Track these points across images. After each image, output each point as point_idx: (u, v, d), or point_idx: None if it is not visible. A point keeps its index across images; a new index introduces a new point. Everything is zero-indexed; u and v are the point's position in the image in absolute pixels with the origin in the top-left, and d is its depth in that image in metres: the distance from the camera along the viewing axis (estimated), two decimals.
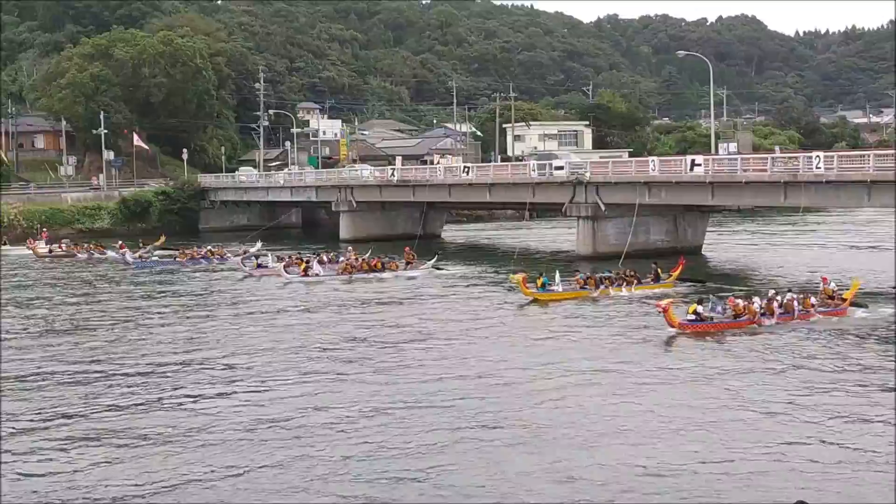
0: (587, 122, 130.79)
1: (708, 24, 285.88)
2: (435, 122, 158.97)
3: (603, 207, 55.60)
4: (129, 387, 26.17)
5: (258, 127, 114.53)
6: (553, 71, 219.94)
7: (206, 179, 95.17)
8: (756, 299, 33.90)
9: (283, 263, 51.57)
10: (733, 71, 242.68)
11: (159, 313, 39.43)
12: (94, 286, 49.85)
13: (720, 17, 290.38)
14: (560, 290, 40.71)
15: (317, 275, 49.44)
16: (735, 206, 62.16)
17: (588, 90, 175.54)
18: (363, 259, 51.97)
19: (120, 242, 66.97)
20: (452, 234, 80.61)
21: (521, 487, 17.75)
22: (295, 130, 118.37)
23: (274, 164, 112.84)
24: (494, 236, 78.43)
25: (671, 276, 43.53)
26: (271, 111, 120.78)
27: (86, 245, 67.62)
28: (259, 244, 65.14)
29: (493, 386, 25.40)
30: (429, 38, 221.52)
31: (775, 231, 75.31)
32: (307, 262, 51.36)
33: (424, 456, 19.60)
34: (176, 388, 25.85)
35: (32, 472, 19.21)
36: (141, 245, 64.60)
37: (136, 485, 18.26)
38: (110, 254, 64.29)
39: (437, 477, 18.33)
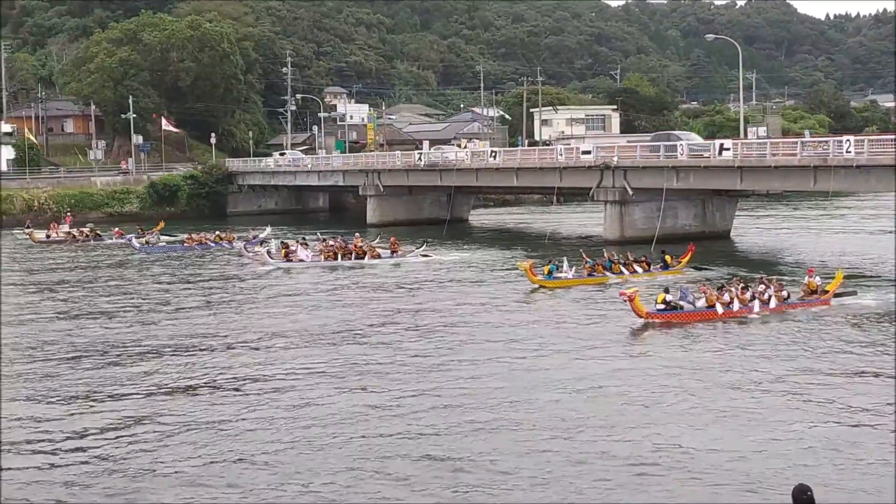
0: (615, 107, 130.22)
1: (737, 7, 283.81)
2: (462, 106, 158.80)
3: (630, 192, 55.40)
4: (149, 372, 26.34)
5: (285, 111, 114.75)
6: (581, 55, 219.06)
7: (234, 163, 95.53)
8: (731, 289, 32.66)
9: (266, 248, 51.07)
10: (762, 54, 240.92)
11: (156, 299, 39.24)
12: (98, 271, 49.80)
13: (749, 1, 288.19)
14: (568, 276, 40.31)
15: (301, 261, 48.91)
16: (764, 191, 61.78)
17: (616, 74, 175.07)
18: (344, 245, 51.00)
19: (116, 229, 67.08)
20: (479, 218, 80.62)
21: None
22: (322, 115, 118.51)
23: (301, 148, 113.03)
24: (522, 221, 78.35)
25: (680, 262, 43.08)
26: (298, 96, 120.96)
27: (83, 230, 66.48)
28: (269, 229, 64.39)
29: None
30: (456, 23, 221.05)
31: (805, 216, 74.78)
32: (290, 247, 50.68)
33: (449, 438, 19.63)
34: (196, 375, 25.96)
35: (58, 462, 19.31)
36: (138, 230, 64.04)
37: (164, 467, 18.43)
38: (110, 241, 64.22)
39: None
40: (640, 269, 41.35)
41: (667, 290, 32.06)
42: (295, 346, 29.10)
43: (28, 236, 65.68)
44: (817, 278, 34.78)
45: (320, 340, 29.95)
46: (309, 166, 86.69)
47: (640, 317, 31.02)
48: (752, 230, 63.85)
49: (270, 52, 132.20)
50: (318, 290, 41.02)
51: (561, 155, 61.24)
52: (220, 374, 25.74)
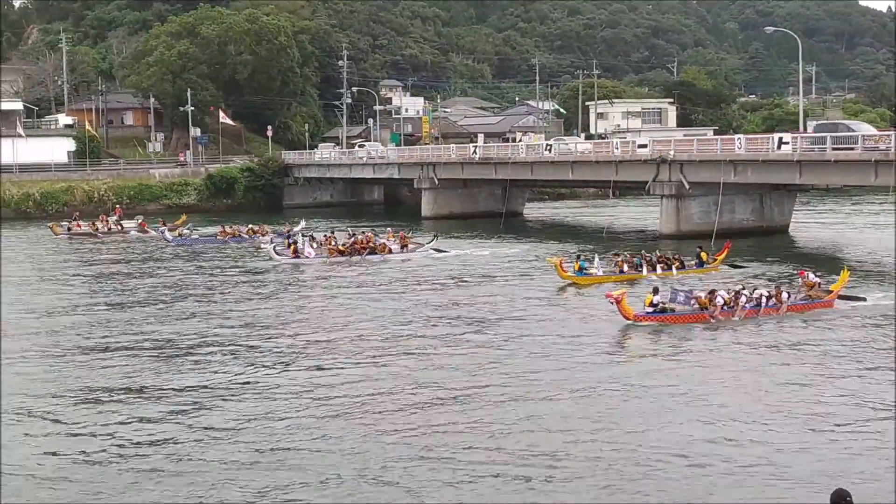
0: (671, 100, 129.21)
1: None
2: (517, 99, 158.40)
3: (687, 186, 54.98)
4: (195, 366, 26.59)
5: (341, 104, 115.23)
6: (637, 48, 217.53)
7: (290, 156, 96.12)
8: (722, 292, 31.31)
9: (273, 245, 50.53)
10: (823, 47, 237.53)
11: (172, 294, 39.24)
12: (124, 265, 49.79)
13: None
14: (598, 273, 39.64)
15: (307, 257, 48.22)
16: (823, 185, 61.00)
17: (672, 67, 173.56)
18: (353, 241, 50.49)
19: (140, 220, 67.11)
20: (534, 211, 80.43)
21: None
22: (377, 108, 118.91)
23: (356, 141, 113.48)
24: (577, 214, 78.06)
25: (716, 259, 42.20)
26: (354, 88, 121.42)
27: (107, 222, 66.27)
28: (303, 223, 63.69)
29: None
30: (511, 15, 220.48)
31: (865, 211, 73.71)
32: (296, 243, 49.91)
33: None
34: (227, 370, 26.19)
35: (102, 457, 19.53)
36: (161, 224, 63.86)
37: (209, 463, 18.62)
38: (133, 232, 64.46)
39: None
40: (672, 268, 40.55)
41: (655, 291, 31.00)
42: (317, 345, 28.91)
43: (50, 229, 64.98)
44: (811, 275, 33.60)
45: (352, 336, 29.82)
46: (364, 159, 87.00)
47: (628, 319, 29.96)
48: (811, 225, 63.06)
49: (327, 45, 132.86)
50: (332, 286, 40.64)
51: (617, 148, 61.00)
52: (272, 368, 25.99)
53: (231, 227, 60.68)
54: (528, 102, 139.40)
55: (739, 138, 54.72)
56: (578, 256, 40.71)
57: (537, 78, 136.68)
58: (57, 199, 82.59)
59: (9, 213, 78.41)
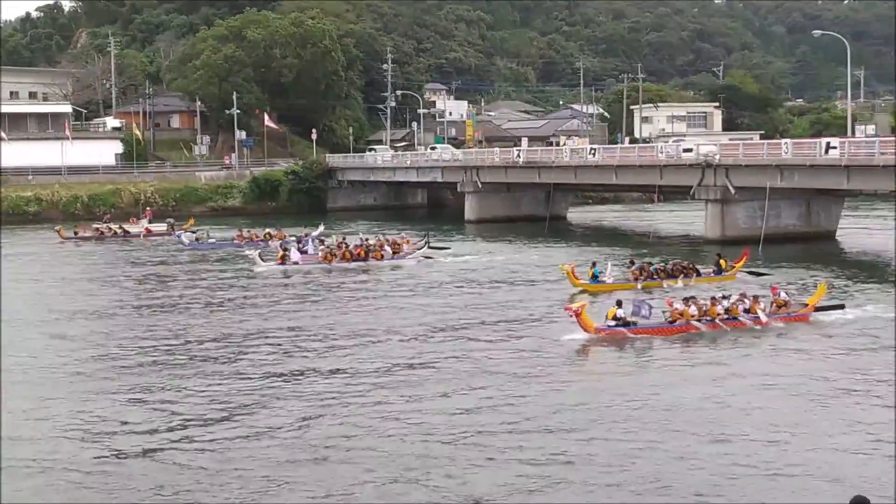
0: (717, 104, 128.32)
1: (845, 2, 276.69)
2: (561, 103, 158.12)
3: (732, 191, 54.56)
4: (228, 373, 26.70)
5: (385, 107, 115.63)
6: (682, 51, 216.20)
7: (334, 159, 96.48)
8: (699, 302, 30.46)
9: (259, 252, 49.18)
10: (871, 51, 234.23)
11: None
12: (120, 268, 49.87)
13: None
14: (611, 281, 38.72)
15: (295, 263, 47.03)
16: (872, 191, 60.29)
17: (718, 71, 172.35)
18: (346, 247, 49.39)
19: (146, 226, 67.09)
20: (578, 215, 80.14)
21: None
22: (421, 111, 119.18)
23: (400, 144, 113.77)
24: (621, 219, 77.72)
25: (734, 267, 41.23)
26: (398, 92, 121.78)
27: (114, 227, 66.06)
28: (322, 227, 62.53)
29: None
30: (556, 19, 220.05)
31: None
32: (286, 249, 48.93)
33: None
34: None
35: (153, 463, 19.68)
36: (170, 226, 65.13)
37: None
38: (141, 238, 64.45)
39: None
40: (688, 276, 39.68)
41: (619, 304, 29.96)
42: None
43: (57, 233, 64.38)
44: (783, 293, 32.20)
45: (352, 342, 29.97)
46: (408, 162, 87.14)
47: (588, 332, 28.90)
48: (858, 231, 62.27)
49: (371, 48, 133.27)
50: (319, 293, 40.08)
51: (661, 152, 60.67)
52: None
53: (248, 232, 60.23)
54: (573, 106, 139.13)
55: (786, 142, 54.25)
56: (594, 264, 40.03)
57: (581, 82, 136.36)
58: (104, 201, 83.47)
59: (57, 215, 79.36)
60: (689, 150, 58.48)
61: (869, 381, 24.03)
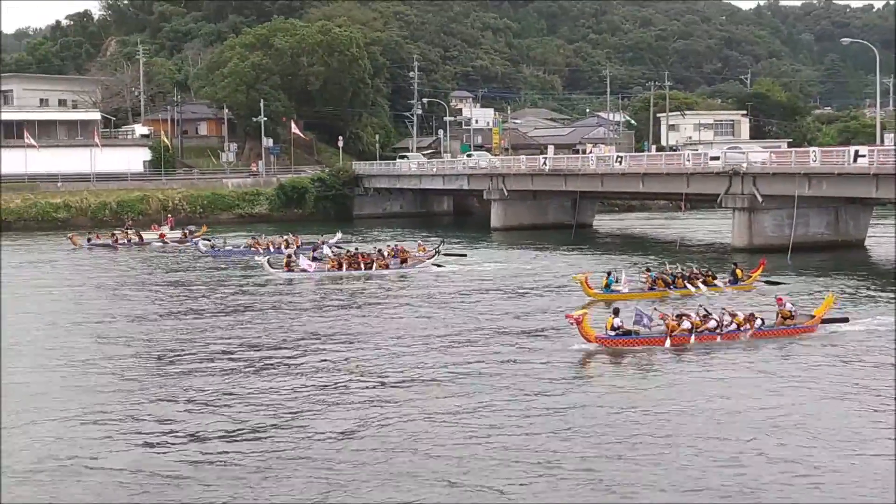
0: (744, 112, 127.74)
1: (874, 10, 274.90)
2: (587, 110, 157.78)
3: (760, 199, 54.31)
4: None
5: (411, 115, 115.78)
6: (710, 59, 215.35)
7: (360, 167, 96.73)
8: (692, 314, 30.00)
9: (267, 259, 48.69)
10: None
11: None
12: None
13: (887, 3, 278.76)
14: (626, 290, 38.48)
15: (304, 270, 46.84)
16: None
17: (746, 79, 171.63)
18: (350, 255, 49.18)
19: (160, 231, 67.18)
20: (604, 223, 80.00)
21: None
22: (448, 119, 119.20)
23: (426, 152, 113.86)
24: (648, 227, 77.48)
25: (751, 276, 40.87)
26: (425, 100, 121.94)
27: (128, 233, 66.17)
28: (339, 235, 62.39)
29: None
30: (583, 27, 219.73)
31: None
32: (290, 256, 48.94)
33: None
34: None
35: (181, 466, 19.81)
36: (184, 233, 65.85)
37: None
38: (157, 244, 64.63)
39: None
40: (702, 286, 39.11)
41: (615, 313, 29.57)
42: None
43: (70, 240, 64.17)
44: (788, 304, 31.48)
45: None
46: (434, 170, 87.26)
47: (589, 341, 28.54)
48: (888, 239, 61.75)
49: (398, 56, 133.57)
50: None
51: (688, 160, 60.47)
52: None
53: (264, 239, 60.03)
54: (599, 114, 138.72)
55: (814, 151, 53.96)
56: (609, 273, 39.50)
57: (608, 89, 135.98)
58: (132, 207, 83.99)
59: (86, 222, 79.92)
60: (717, 158, 58.30)
61: (870, 392, 23.74)
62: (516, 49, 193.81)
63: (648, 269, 41.00)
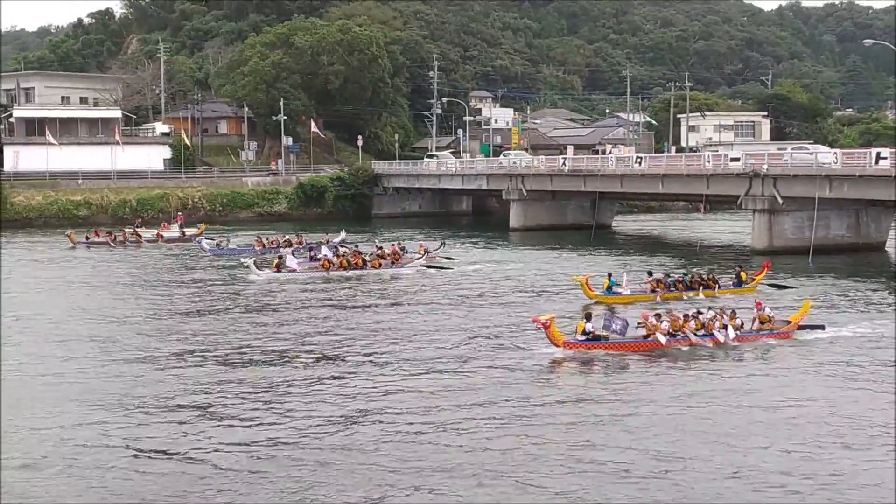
0: (765, 113, 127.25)
1: None
2: (607, 111, 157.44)
3: (780, 201, 54.08)
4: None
5: (431, 114, 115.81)
6: (731, 60, 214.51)
7: (380, 166, 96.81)
8: (669, 318, 29.27)
9: (253, 259, 47.75)
10: None
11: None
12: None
13: None
14: (628, 293, 37.95)
15: (292, 270, 46.22)
16: None
17: (767, 80, 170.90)
18: (343, 255, 48.63)
19: (158, 231, 66.79)
20: (623, 224, 79.84)
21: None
22: (467, 118, 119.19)
23: (445, 151, 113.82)
24: (667, 228, 77.28)
25: (755, 280, 40.47)
26: (444, 99, 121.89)
27: (124, 232, 65.63)
28: (343, 234, 62.21)
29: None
30: (603, 27, 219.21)
31: None
32: (280, 256, 48.36)
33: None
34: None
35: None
36: (183, 232, 66.05)
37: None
38: (152, 242, 64.40)
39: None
40: (708, 288, 38.82)
41: (588, 318, 28.72)
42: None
43: (68, 238, 63.66)
44: (767, 309, 31.03)
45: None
46: (454, 169, 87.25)
47: (557, 346, 27.68)
48: None
49: (418, 55, 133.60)
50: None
51: (708, 162, 60.28)
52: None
53: (268, 238, 59.65)
54: (619, 115, 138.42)
55: (836, 152, 53.68)
56: (610, 275, 38.82)
57: (628, 90, 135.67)
58: (152, 205, 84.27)
59: (106, 219, 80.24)
60: (737, 160, 58.09)
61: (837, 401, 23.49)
62: (536, 49, 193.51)
63: (650, 272, 40.61)
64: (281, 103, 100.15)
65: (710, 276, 40.37)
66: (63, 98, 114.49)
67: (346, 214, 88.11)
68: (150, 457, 19.22)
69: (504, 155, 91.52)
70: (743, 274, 40.60)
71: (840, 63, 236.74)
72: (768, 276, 41.27)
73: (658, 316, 29.18)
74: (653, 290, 38.49)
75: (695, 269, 42.04)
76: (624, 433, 20.50)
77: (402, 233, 71.16)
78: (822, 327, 31.16)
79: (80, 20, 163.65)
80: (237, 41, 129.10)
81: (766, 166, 55.00)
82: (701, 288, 38.81)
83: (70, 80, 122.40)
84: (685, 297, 37.76)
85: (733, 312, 30.33)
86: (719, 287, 39.35)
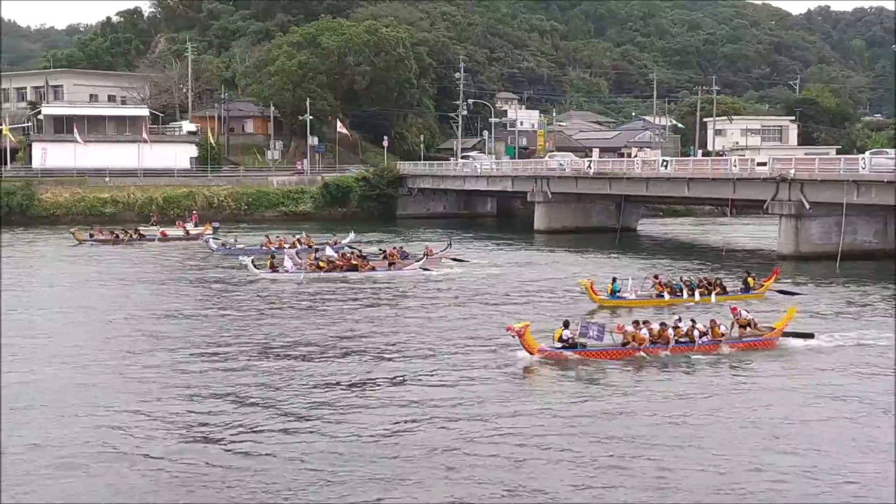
0: (793, 118, 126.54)
1: None
2: (633, 114, 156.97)
3: (807, 206, 53.74)
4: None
5: (456, 116, 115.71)
6: (758, 64, 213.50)
7: (405, 167, 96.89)
8: (652, 325, 28.76)
9: (251, 259, 47.86)
10: None
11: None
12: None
13: None
14: (632, 297, 37.60)
15: (287, 271, 45.93)
16: None
17: (795, 84, 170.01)
18: (338, 257, 48.50)
19: (161, 229, 66.84)
20: (649, 228, 79.56)
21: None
22: (493, 120, 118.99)
23: (471, 153, 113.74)
24: (693, 232, 76.97)
25: (763, 285, 40.04)
26: (470, 100, 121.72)
27: (128, 231, 65.90)
28: (352, 235, 62.11)
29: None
30: (630, 30, 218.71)
31: None
32: (273, 257, 48.20)
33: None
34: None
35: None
36: (186, 230, 66.32)
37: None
38: (153, 241, 64.41)
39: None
40: (712, 293, 38.27)
41: (566, 325, 28.20)
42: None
43: (72, 235, 64.16)
44: (744, 313, 30.50)
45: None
46: (479, 171, 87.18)
47: (532, 354, 27.22)
48: None
49: (444, 57, 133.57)
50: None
51: (735, 166, 59.96)
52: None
53: (276, 238, 59.61)
54: (645, 118, 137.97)
55: (863, 158, 53.29)
56: (614, 279, 38.53)
57: (654, 93, 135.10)
58: (178, 203, 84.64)
59: (132, 217, 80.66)
60: (764, 164, 57.76)
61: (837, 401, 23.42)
62: (563, 51, 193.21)
63: (657, 276, 40.10)
64: (307, 103, 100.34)
65: (717, 280, 40.03)
66: (91, 96, 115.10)
67: (371, 215, 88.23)
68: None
69: (550, 156, 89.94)
70: (751, 279, 40.24)
71: (869, 68, 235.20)
72: (777, 282, 40.96)
73: (636, 323, 28.67)
74: (658, 294, 38.20)
75: (717, 276, 41.72)
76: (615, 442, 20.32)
77: (426, 234, 71.17)
78: (811, 335, 30.38)
79: (108, 19, 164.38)
80: (264, 41, 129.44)
81: (793, 171, 54.65)
82: (711, 293, 38.30)
83: (98, 79, 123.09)
84: (695, 301, 37.20)
85: (713, 322, 29.63)
86: (726, 292, 38.97)
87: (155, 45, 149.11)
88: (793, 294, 39.58)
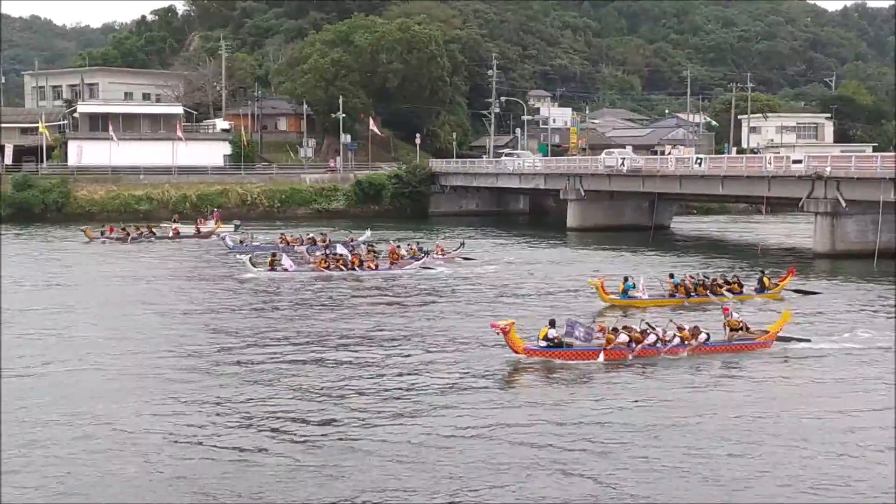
0: (828, 115, 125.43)
1: None
2: (667, 111, 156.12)
3: (843, 204, 53.25)
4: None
5: (489, 113, 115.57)
6: (794, 61, 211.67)
7: (437, 164, 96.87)
8: (633, 327, 28.19)
9: (249, 257, 47.48)
10: None
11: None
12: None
13: None
14: (645, 296, 36.87)
15: (286, 270, 45.55)
16: None
17: (830, 81, 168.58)
18: (340, 256, 48.09)
19: (174, 226, 66.97)
20: (682, 225, 79.10)
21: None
22: (525, 118, 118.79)
23: (503, 150, 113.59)
24: (727, 230, 76.44)
25: (778, 285, 39.44)
26: (502, 98, 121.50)
27: (140, 228, 65.90)
28: (369, 232, 61.75)
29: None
30: (664, 27, 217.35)
31: None
32: (274, 254, 48.13)
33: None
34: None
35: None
36: (198, 228, 66.52)
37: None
38: (166, 237, 64.63)
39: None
40: (727, 293, 37.72)
41: (552, 324, 27.75)
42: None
43: (83, 233, 64.21)
44: (735, 314, 29.87)
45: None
46: (511, 168, 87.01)
47: (517, 353, 26.96)
48: None
49: (476, 54, 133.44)
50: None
51: (770, 163, 59.51)
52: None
53: (291, 236, 59.34)
54: (678, 115, 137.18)
55: None
56: (626, 278, 37.89)
57: (688, 90, 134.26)
58: (212, 201, 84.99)
59: (166, 214, 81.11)
60: (799, 162, 57.31)
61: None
62: (595, 48, 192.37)
63: (672, 275, 39.43)
64: (340, 101, 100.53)
65: (735, 279, 39.58)
66: (126, 94, 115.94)
67: (403, 212, 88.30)
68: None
69: (607, 153, 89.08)
70: (766, 279, 39.74)
71: None
72: (793, 282, 40.57)
73: (615, 330, 27.99)
74: (672, 294, 37.71)
75: (719, 272, 41.38)
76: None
77: (458, 231, 71.13)
78: (808, 340, 29.69)
79: (143, 17, 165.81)
80: (297, 39, 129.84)
81: (829, 168, 54.19)
82: (720, 292, 37.76)
83: (133, 77, 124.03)
84: (713, 301, 36.55)
85: (696, 328, 28.71)
86: (742, 292, 38.48)
87: (189, 44, 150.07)
88: (809, 294, 39.16)
